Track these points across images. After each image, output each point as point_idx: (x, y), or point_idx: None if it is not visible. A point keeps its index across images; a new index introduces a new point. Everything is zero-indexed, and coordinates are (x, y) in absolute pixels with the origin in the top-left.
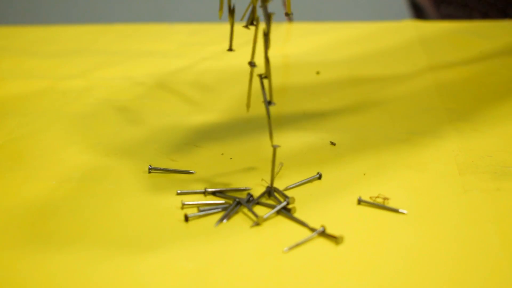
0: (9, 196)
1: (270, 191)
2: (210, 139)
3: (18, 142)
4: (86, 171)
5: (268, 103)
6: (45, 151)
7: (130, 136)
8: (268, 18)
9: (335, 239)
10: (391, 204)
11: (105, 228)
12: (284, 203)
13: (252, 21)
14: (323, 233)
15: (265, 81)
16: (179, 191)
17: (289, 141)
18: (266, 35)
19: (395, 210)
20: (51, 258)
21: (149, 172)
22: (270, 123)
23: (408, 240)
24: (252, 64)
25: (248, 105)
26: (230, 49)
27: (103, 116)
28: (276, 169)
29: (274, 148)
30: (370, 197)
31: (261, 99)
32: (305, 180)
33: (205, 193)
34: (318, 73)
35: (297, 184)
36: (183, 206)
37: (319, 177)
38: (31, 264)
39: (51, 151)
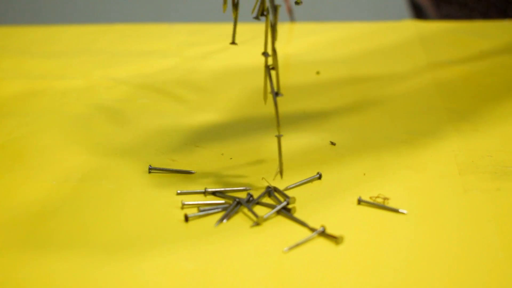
0: (9, 196)
1: (270, 191)
2: (210, 139)
3: (18, 142)
4: (86, 171)
5: (276, 94)
6: (45, 151)
7: (130, 136)
8: (275, 9)
9: (335, 239)
10: (391, 204)
11: (105, 228)
12: (284, 203)
13: (262, 12)
14: (323, 233)
15: (273, 72)
16: (179, 191)
17: (289, 141)
18: (273, 27)
19: (395, 210)
20: (51, 259)
21: (149, 172)
22: (278, 114)
23: (408, 240)
24: (265, 54)
25: (265, 97)
26: (233, 43)
27: (103, 116)
28: (276, 169)
29: (278, 138)
30: (370, 197)
31: (261, 97)
32: (305, 180)
33: (205, 193)
34: (318, 73)
35: (297, 184)
36: (183, 206)
37: (319, 177)
38: (31, 265)
39: (51, 151)
